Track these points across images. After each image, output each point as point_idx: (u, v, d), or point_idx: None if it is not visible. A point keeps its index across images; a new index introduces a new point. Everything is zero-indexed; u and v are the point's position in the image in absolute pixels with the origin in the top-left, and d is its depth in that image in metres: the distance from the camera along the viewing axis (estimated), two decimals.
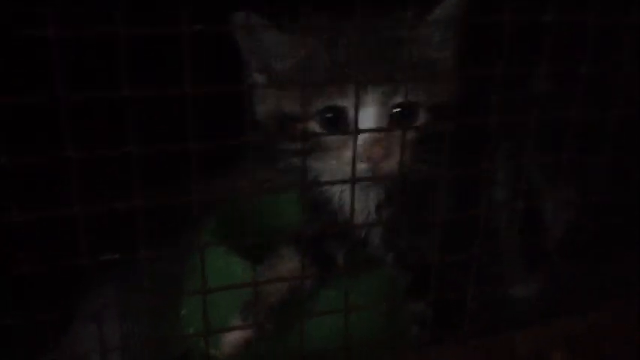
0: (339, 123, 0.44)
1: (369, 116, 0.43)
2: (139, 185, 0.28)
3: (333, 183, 0.48)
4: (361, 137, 0.42)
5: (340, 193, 0.50)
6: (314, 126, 0.45)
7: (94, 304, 0.59)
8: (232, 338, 0.47)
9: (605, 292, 0.49)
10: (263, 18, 0.42)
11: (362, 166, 0.42)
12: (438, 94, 0.45)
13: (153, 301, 0.49)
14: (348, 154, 0.44)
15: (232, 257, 0.53)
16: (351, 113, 0.44)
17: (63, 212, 0.27)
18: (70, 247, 0.28)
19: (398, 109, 0.44)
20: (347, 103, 0.43)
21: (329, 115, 0.44)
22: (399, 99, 0.44)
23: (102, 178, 0.43)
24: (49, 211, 0.27)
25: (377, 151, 0.42)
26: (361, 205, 0.49)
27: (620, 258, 0.54)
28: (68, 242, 0.28)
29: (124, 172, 0.28)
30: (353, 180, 0.35)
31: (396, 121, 0.44)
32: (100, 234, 0.31)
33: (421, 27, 0.46)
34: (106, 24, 0.25)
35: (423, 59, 0.45)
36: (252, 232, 0.33)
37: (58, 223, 0.27)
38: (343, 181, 0.41)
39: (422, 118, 0.45)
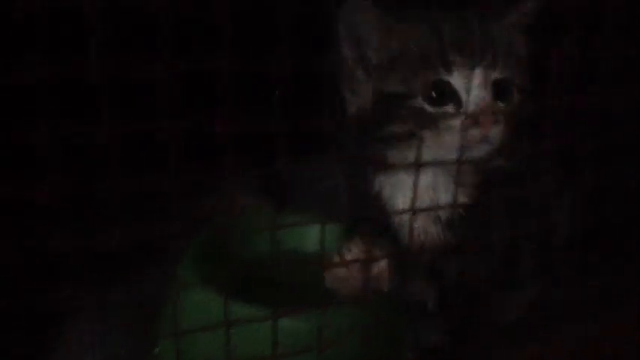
0: (446, 96, 0.48)
1: (474, 88, 0.46)
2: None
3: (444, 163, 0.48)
4: (471, 105, 0.46)
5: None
6: (420, 102, 0.48)
7: (70, 346, 0.58)
8: None
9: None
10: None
11: (473, 133, 0.46)
12: (525, 78, 0.49)
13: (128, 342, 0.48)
14: (457, 123, 0.47)
15: (210, 293, 0.51)
16: (456, 85, 0.47)
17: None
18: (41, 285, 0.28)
19: (496, 85, 0.48)
20: (451, 77, 0.47)
21: (435, 89, 0.47)
22: (497, 74, 0.48)
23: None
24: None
25: (487, 118, 0.46)
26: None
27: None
28: (41, 280, 0.28)
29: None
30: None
31: (495, 97, 0.48)
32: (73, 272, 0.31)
33: (508, 18, 0.50)
34: None
35: (511, 45, 0.50)
36: (231, 266, 0.33)
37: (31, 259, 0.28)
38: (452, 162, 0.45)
39: (515, 97, 0.49)
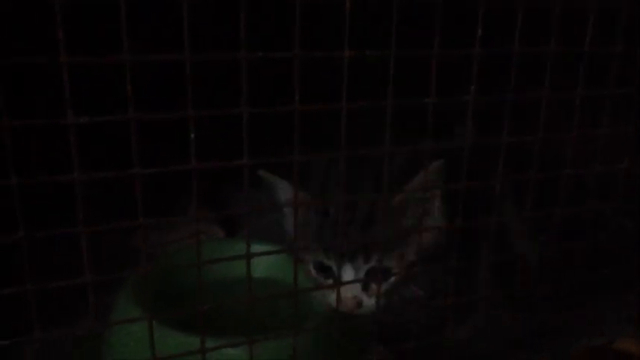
0: (327, 273, 0.57)
1: (348, 275, 0.54)
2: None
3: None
4: (342, 290, 0.54)
5: None
6: (311, 269, 0.58)
7: None
8: None
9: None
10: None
11: (342, 309, 0.54)
12: (409, 256, 0.55)
13: None
14: (333, 296, 0.54)
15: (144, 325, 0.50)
16: (334, 269, 0.56)
17: None
18: None
19: (370, 270, 0.55)
20: (331, 263, 0.56)
21: (319, 266, 0.57)
22: (370, 265, 0.54)
23: None
24: None
25: (350, 304, 0.54)
26: None
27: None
28: None
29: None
30: None
31: (370, 278, 0.55)
32: None
33: (397, 198, 0.54)
34: None
35: (396, 228, 0.55)
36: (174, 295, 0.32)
37: None
38: None
39: (393, 278, 0.56)
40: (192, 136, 0.30)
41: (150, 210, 0.31)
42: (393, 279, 0.55)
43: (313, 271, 0.58)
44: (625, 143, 0.43)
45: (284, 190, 0.58)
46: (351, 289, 0.54)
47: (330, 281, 0.56)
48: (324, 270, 0.57)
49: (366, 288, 0.55)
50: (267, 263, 0.66)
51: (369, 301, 0.54)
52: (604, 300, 0.69)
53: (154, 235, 0.82)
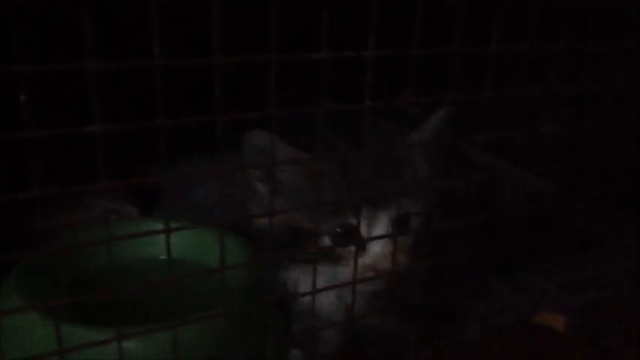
0: (350, 237, 0.49)
1: (380, 229, 0.49)
2: None
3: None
4: (373, 251, 0.49)
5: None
6: (326, 240, 0.50)
7: None
8: None
9: None
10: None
11: (370, 274, 0.48)
12: (425, 201, 0.52)
13: None
14: (366, 259, 0.49)
15: (34, 316, 0.43)
16: (362, 229, 0.49)
17: None
18: None
19: (399, 221, 0.50)
20: (356, 221, 0.49)
21: (341, 231, 0.49)
22: (400, 212, 0.50)
23: None
24: None
25: (386, 264, 0.48)
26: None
27: None
28: None
29: None
30: None
31: (398, 231, 0.50)
32: None
33: (413, 141, 0.51)
34: None
35: (414, 173, 0.52)
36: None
37: None
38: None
39: (414, 224, 0.52)
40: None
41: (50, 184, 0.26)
42: (415, 225, 0.52)
43: (329, 241, 0.50)
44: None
45: (283, 152, 0.49)
46: (386, 244, 0.49)
47: (352, 248, 0.49)
48: (346, 235, 0.50)
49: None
50: (179, 244, 0.60)
51: (401, 257, 0.50)
52: (527, 273, 0.72)
53: (55, 215, 0.74)
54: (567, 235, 0.54)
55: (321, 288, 0.39)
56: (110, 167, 0.28)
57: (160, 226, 0.32)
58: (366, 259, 0.49)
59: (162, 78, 0.26)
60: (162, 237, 0.45)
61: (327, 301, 0.55)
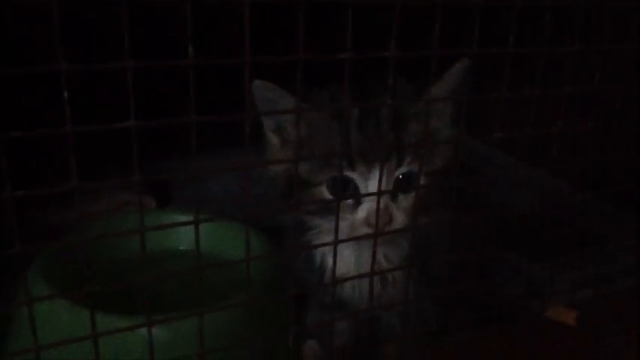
0: (348, 190, 0.49)
1: (374, 186, 0.47)
2: None
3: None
4: (367, 205, 0.47)
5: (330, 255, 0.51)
6: (323, 190, 0.49)
7: None
8: None
9: None
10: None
11: (367, 231, 0.47)
12: (436, 161, 0.50)
13: None
14: (354, 217, 0.48)
15: (62, 303, 0.45)
16: (358, 182, 0.48)
17: None
18: None
19: (400, 178, 0.49)
20: (355, 175, 0.48)
21: (338, 183, 0.49)
22: (402, 170, 0.49)
23: None
24: None
25: (382, 218, 0.46)
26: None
27: None
28: None
29: None
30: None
31: (399, 188, 0.49)
32: None
33: (423, 100, 0.49)
34: None
35: (423, 131, 0.49)
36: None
37: None
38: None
39: (422, 183, 0.49)
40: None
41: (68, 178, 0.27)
42: (422, 182, 0.49)
43: (327, 193, 0.50)
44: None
45: (285, 103, 0.48)
46: (383, 199, 0.47)
47: (350, 201, 0.49)
48: (344, 186, 0.49)
49: (394, 200, 0.48)
50: (193, 235, 0.61)
51: (399, 215, 0.48)
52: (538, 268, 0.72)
53: (74, 207, 0.75)
54: (568, 232, 0.53)
55: (341, 239, 0.38)
56: (128, 160, 0.29)
57: (181, 217, 0.33)
58: (359, 213, 0.48)
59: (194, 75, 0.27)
60: (180, 229, 0.47)
61: (347, 268, 0.54)
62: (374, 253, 0.39)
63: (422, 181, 0.48)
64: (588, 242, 0.75)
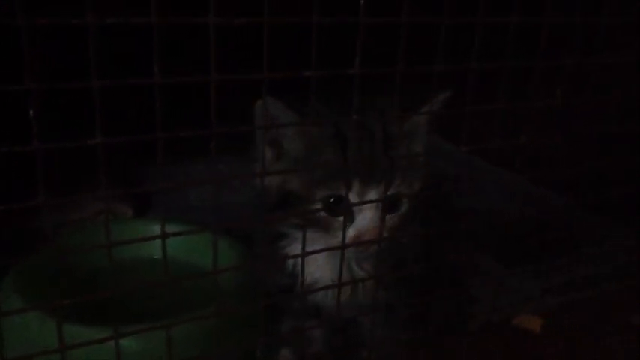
0: (341, 209, 0.50)
1: (369, 206, 0.49)
2: None
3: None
4: (359, 224, 0.49)
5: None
6: (318, 207, 0.50)
7: None
8: None
9: None
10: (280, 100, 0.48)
11: (357, 247, 0.49)
12: (415, 185, 0.52)
13: None
14: (352, 231, 0.50)
15: (33, 314, 0.45)
16: (352, 202, 0.49)
17: None
18: None
19: (389, 199, 0.50)
20: (350, 194, 0.49)
21: (332, 200, 0.50)
22: (391, 191, 0.50)
23: None
24: None
25: (373, 234, 0.49)
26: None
27: None
28: None
29: None
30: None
31: (387, 209, 0.50)
32: None
33: (411, 122, 0.52)
34: None
35: (410, 153, 0.52)
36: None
37: None
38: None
39: (404, 206, 0.52)
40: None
41: (51, 187, 0.27)
42: (405, 208, 0.52)
43: (322, 210, 0.51)
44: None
45: (286, 118, 0.50)
46: (373, 219, 0.49)
47: (341, 219, 0.50)
48: (336, 205, 0.50)
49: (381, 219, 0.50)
50: (170, 244, 0.62)
51: (385, 234, 0.49)
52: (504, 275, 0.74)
53: (53, 215, 0.75)
54: (561, 235, 0.55)
55: (310, 251, 0.40)
56: (106, 169, 0.30)
57: (156, 227, 0.34)
58: (351, 231, 0.50)
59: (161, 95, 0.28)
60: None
61: (321, 273, 0.55)
62: (341, 266, 0.41)
63: (404, 204, 0.52)
64: (565, 248, 0.77)
